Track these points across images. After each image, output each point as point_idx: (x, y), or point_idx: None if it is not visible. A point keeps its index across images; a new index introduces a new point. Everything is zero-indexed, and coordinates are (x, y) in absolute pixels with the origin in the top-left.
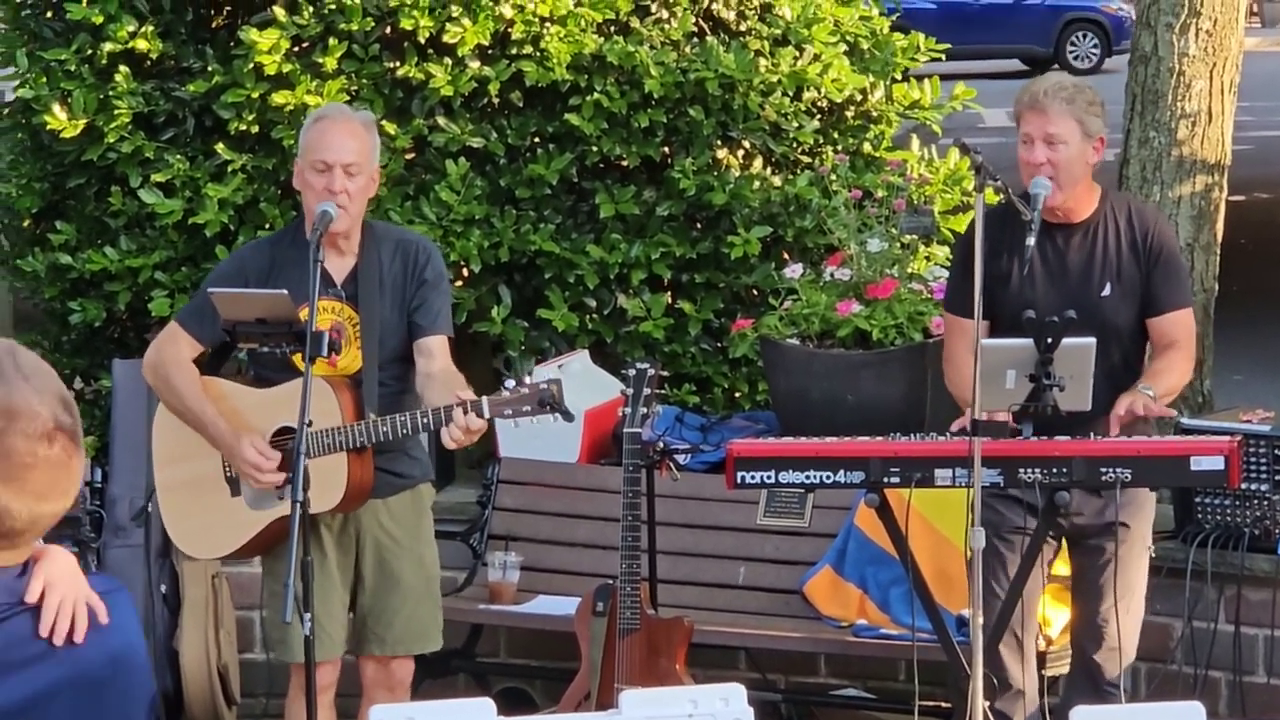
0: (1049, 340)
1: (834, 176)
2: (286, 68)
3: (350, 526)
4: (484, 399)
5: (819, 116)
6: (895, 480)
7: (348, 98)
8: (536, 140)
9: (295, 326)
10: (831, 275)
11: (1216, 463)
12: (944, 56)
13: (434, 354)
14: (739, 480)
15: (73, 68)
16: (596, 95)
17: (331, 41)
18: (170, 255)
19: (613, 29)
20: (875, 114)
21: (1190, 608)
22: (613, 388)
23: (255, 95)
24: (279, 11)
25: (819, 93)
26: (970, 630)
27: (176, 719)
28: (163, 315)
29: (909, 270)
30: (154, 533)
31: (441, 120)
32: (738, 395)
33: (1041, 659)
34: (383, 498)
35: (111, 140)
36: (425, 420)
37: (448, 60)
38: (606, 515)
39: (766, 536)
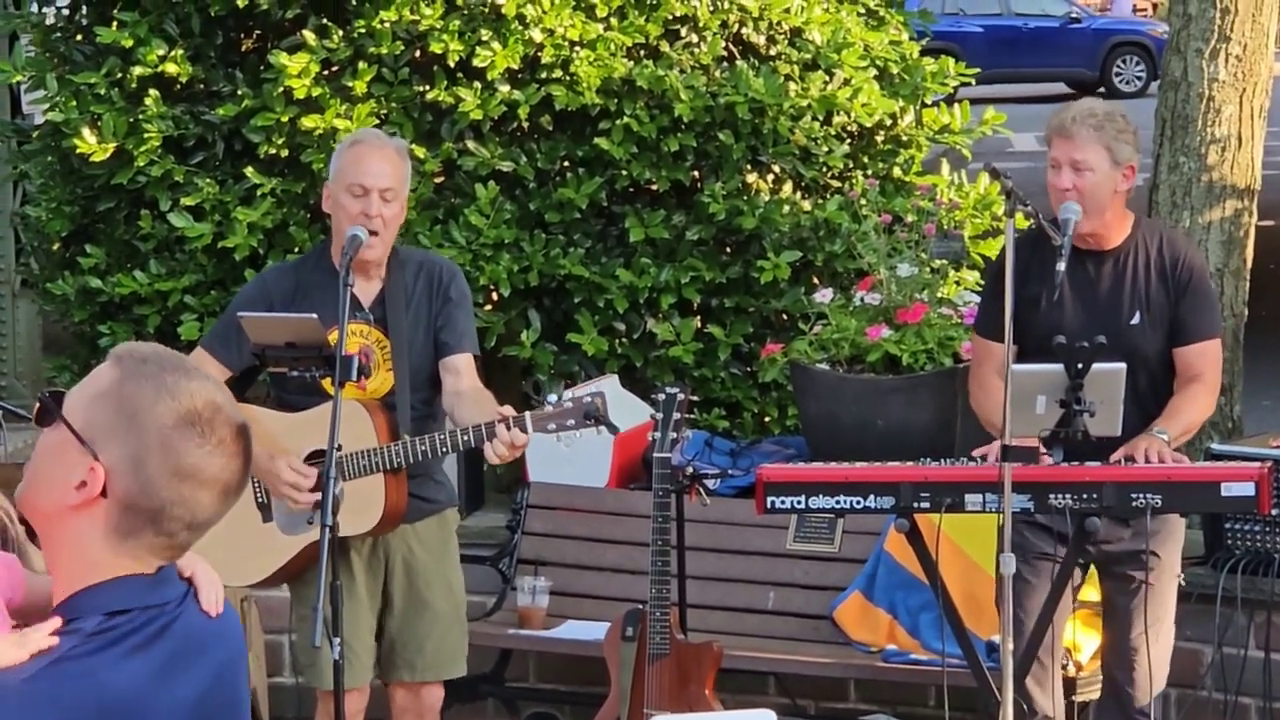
0: (1079, 365)
1: (864, 201)
2: (316, 91)
3: (379, 551)
4: (527, 414)
5: (849, 141)
6: (925, 505)
7: (377, 121)
8: (566, 164)
9: (325, 351)
10: (861, 300)
11: (1247, 488)
12: (974, 81)
13: (461, 372)
14: (769, 505)
15: (103, 91)
16: (626, 119)
17: (361, 65)
18: (200, 279)
19: (642, 53)
20: (905, 139)
21: (1220, 634)
22: (642, 412)
23: (285, 119)
24: (309, 35)
25: (849, 117)
26: (1000, 656)
27: None
28: (192, 339)
29: (939, 295)
30: None
31: (471, 144)
32: (767, 420)
33: (1071, 685)
34: (411, 522)
35: (141, 164)
36: (466, 438)
37: (477, 84)
38: (636, 540)
39: (796, 561)
